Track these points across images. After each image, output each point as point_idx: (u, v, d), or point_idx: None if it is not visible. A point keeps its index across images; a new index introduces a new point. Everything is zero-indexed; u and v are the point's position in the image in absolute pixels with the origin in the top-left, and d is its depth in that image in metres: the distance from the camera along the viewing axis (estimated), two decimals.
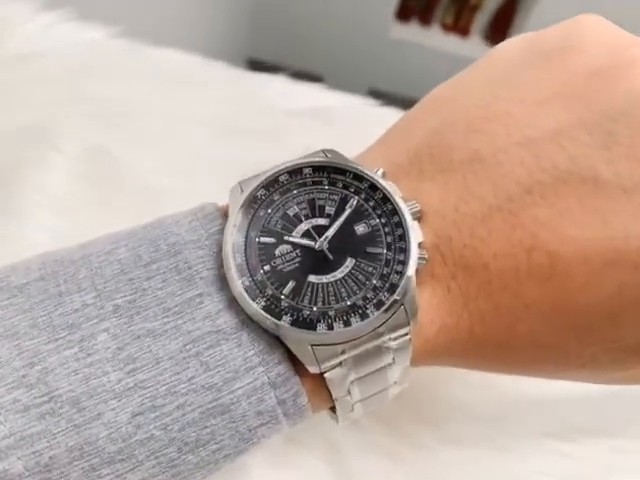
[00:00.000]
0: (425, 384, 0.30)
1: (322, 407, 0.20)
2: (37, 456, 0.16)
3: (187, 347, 0.17)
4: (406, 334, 0.18)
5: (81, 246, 0.19)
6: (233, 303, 0.18)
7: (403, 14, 1.07)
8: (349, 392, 0.19)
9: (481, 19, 1.09)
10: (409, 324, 0.18)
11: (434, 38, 1.08)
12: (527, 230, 0.18)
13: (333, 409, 0.20)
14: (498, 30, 1.07)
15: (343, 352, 0.18)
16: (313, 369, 0.17)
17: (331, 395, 0.19)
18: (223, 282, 0.18)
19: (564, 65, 0.20)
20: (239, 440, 0.18)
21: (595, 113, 0.18)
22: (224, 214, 0.19)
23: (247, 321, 0.18)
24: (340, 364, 0.18)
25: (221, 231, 0.19)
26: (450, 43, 1.07)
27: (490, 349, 0.19)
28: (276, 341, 0.18)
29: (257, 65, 0.44)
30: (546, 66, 0.20)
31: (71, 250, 0.19)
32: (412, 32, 1.08)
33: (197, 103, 0.40)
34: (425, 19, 1.08)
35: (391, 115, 0.42)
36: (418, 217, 0.19)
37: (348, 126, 0.38)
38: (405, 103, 0.43)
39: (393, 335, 0.18)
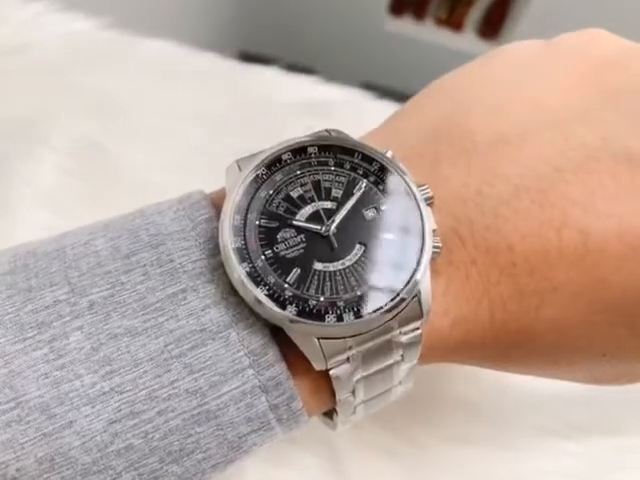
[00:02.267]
0: (424, 382, 0.28)
1: (319, 411, 0.18)
2: (3, 468, 0.14)
3: (169, 347, 0.16)
4: (417, 328, 0.17)
5: (56, 237, 0.18)
6: (221, 298, 0.16)
7: (397, 8, 1.08)
8: (354, 392, 0.17)
9: (475, 14, 1.10)
10: (422, 317, 0.17)
11: (428, 32, 1.09)
12: (557, 208, 0.17)
13: (329, 413, 0.19)
14: (492, 25, 1.08)
15: (351, 347, 0.16)
16: (319, 365, 0.16)
17: (332, 396, 0.17)
18: (211, 275, 0.16)
19: (581, 57, 0.20)
20: (228, 449, 0.16)
21: (616, 95, 0.19)
22: (213, 203, 0.18)
23: (237, 317, 0.16)
24: (348, 360, 0.16)
25: (209, 220, 0.17)
26: (444, 37, 1.09)
27: (511, 339, 0.18)
28: (270, 340, 0.16)
29: (249, 58, 0.43)
30: (564, 59, 0.21)
31: (45, 242, 0.17)
32: (406, 26, 1.09)
33: (189, 95, 0.40)
34: (419, 13, 1.09)
35: (387, 108, 0.42)
36: (430, 202, 0.18)
37: (344, 119, 0.38)
38: (398, 96, 0.43)
39: (404, 329, 0.17)
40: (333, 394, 0.17)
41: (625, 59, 0.20)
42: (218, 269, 0.16)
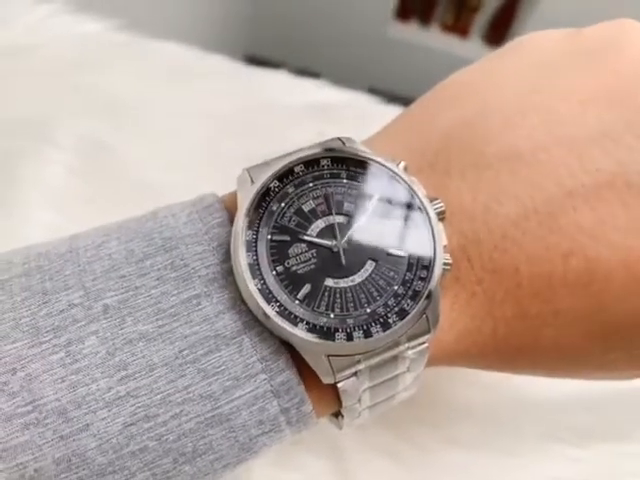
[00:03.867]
0: (428, 385, 0.29)
1: (327, 412, 0.19)
2: (21, 469, 0.15)
3: (183, 353, 0.16)
4: (424, 342, 0.17)
5: (69, 238, 0.18)
6: (234, 304, 0.16)
7: (403, 13, 1.07)
8: (359, 400, 0.18)
9: (480, 20, 1.10)
10: (429, 332, 0.17)
11: (433, 38, 1.09)
12: (565, 234, 0.17)
13: (335, 414, 0.19)
14: (497, 31, 1.08)
15: (359, 362, 0.16)
16: (327, 380, 0.16)
17: (339, 401, 0.18)
18: (224, 280, 0.17)
19: (608, 66, 0.19)
20: (239, 450, 0.17)
21: (638, 115, 0.18)
22: (226, 206, 0.18)
23: (250, 324, 0.16)
24: (355, 374, 0.17)
25: (222, 224, 0.17)
26: (449, 43, 1.08)
27: (510, 353, 0.18)
28: (280, 346, 0.16)
29: (255, 62, 0.44)
30: (589, 65, 0.19)
31: (58, 243, 0.18)
32: (411, 32, 1.09)
33: (197, 97, 0.40)
34: (425, 19, 1.09)
35: (393, 112, 0.42)
36: (443, 217, 0.18)
37: (349, 122, 0.38)
38: (403, 102, 0.43)
39: (412, 344, 0.17)
40: (339, 400, 0.17)
41: None
42: (231, 274, 0.17)
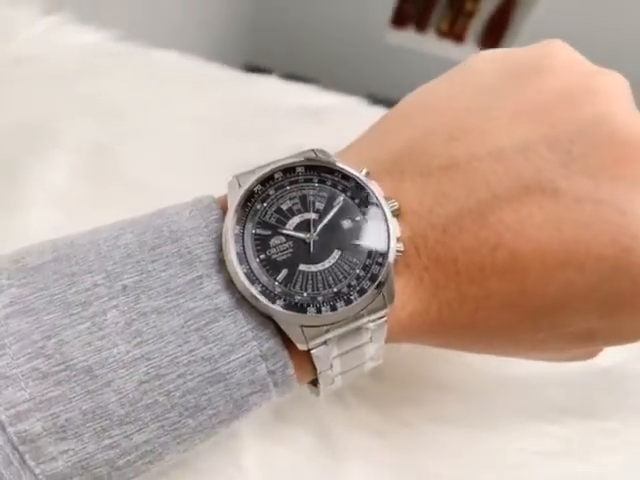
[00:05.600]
0: (411, 364, 0.32)
1: (306, 379, 0.22)
2: (54, 418, 0.17)
3: (188, 323, 0.19)
4: (383, 317, 0.20)
5: (89, 232, 0.21)
6: (230, 284, 0.20)
7: (399, 20, 1.08)
8: (331, 366, 0.21)
9: (476, 25, 1.10)
10: (386, 307, 0.20)
11: (429, 44, 1.09)
12: (493, 230, 0.20)
13: (314, 382, 0.23)
14: (492, 36, 1.09)
15: (328, 331, 0.20)
16: (302, 347, 0.20)
17: (314, 369, 0.21)
18: (221, 265, 0.20)
19: (534, 84, 0.22)
20: (233, 407, 0.20)
21: (557, 131, 0.21)
22: (221, 205, 0.21)
23: (242, 301, 0.20)
24: (325, 342, 0.20)
25: (218, 220, 0.21)
26: (445, 49, 1.08)
27: (455, 331, 0.22)
28: (268, 319, 0.20)
29: (254, 70, 0.46)
30: (517, 84, 0.22)
31: (80, 235, 0.21)
32: (408, 38, 1.09)
33: (195, 103, 0.42)
34: (421, 25, 1.10)
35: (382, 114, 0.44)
36: (397, 214, 0.21)
37: (342, 126, 0.39)
38: None
39: (372, 317, 0.20)
40: (315, 367, 0.21)
41: (576, 92, 0.21)
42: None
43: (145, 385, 0.18)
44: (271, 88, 0.44)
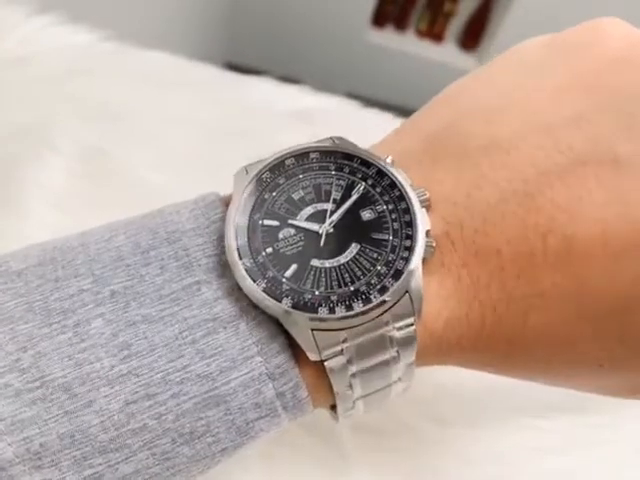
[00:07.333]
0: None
1: (322, 403, 0.19)
2: (27, 442, 0.15)
3: (183, 334, 0.17)
4: (411, 324, 0.17)
5: (80, 234, 0.19)
6: (232, 291, 0.17)
7: (379, 20, 1.09)
8: (350, 386, 0.18)
9: (455, 25, 1.12)
10: (414, 313, 0.17)
11: (409, 43, 1.11)
12: (543, 213, 0.17)
13: (334, 407, 0.19)
14: (471, 36, 1.10)
15: (345, 340, 0.17)
16: (313, 356, 0.17)
17: (332, 389, 0.18)
18: (223, 269, 0.17)
19: (584, 55, 0.20)
20: (236, 433, 0.17)
21: (614, 96, 0.18)
22: (226, 203, 0.19)
23: (246, 309, 0.17)
24: (341, 352, 0.17)
25: (222, 219, 0.18)
26: (424, 48, 1.11)
27: (502, 345, 0.18)
28: (276, 330, 0.17)
29: (235, 69, 0.45)
30: (566, 57, 0.20)
31: (70, 238, 0.19)
32: (387, 37, 1.11)
33: (186, 104, 0.42)
34: (400, 25, 1.11)
35: (374, 116, 0.44)
36: (427, 205, 0.18)
37: (333, 128, 0.41)
38: (381, 106, 0.45)
39: (397, 324, 0.17)
40: (332, 386, 0.18)
41: (632, 57, 0.19)
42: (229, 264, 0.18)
43: (132, 406, 0.16)
44: (262, 89, 0.44)
